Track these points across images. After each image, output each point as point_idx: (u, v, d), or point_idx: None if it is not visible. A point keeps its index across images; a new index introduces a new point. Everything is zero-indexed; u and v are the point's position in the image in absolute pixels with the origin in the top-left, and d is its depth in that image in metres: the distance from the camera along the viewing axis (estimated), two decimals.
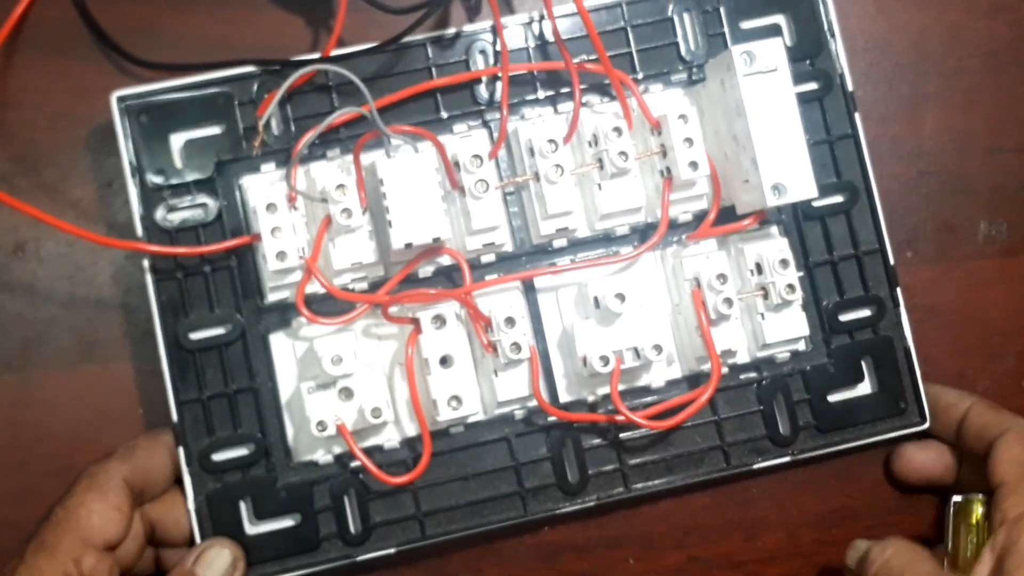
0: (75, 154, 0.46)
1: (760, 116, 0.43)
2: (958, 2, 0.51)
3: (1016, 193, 0.50)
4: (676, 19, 0.47)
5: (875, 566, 0.43)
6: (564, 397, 0.45)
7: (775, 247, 0.45)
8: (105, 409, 0.46)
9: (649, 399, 0.45)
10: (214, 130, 0.44)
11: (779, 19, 0.48)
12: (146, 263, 0.43)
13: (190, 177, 0.44)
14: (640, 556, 0.48)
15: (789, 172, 0.43)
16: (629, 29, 0.47)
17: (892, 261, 0.47)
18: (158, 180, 0.44)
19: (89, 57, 0.47)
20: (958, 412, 0.46)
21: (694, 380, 0.46)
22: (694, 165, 0.44)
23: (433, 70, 0.45)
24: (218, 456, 0.43)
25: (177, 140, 0.44)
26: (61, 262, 0.46)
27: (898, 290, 0.47)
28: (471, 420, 0.44)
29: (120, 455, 0.41)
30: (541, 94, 0.46)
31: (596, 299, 0.44)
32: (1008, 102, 0.51)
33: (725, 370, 0.45)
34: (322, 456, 0.44)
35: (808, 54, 0.47)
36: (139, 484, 0.41)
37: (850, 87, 0.47)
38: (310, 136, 0.43)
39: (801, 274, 0.46)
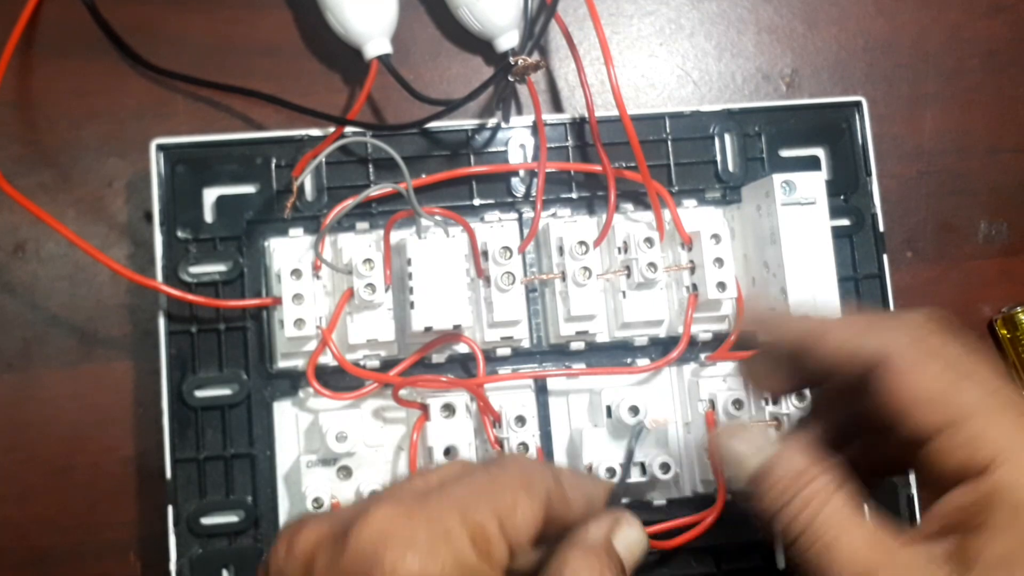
0: (75, 154, 0.46)
1: (794, 246, 0.43)
2: (958, 2, 0.51)
3: (1016, 193, 0.51)
4: (717, 139, 0.47)
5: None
6: None
7: None
8: (105, 409, 0.45)
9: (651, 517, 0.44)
10: (248, 188, 0.44)
11: (818, 151, 0.48)
12: (161, 312, 0.43)
13: (218, 233, 0.43)
14: None
15: (817, 305, 0.43)
16: (669, 142, 0.47)
17: None
18: (185, 233, 0.43)
19: (89, 58, 0.47)
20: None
21: (700, 502, 0.45)
22: (722, 286, 0.44)
23: (472, 157, 0.45)
24: (207, 520, 0.42)
25: (210, 195, 0.44)
26: (61, 262, 0.46)
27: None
28: None
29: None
30: (575, 194, 0.46)
31: (609, 408, 0.43)
32: (1008, 102, 0.51)
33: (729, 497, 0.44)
34: None
35: (843, 190, 0.47)
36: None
37: (881, 227, 0.47)
38: (344, 207, 0.43)
39: None
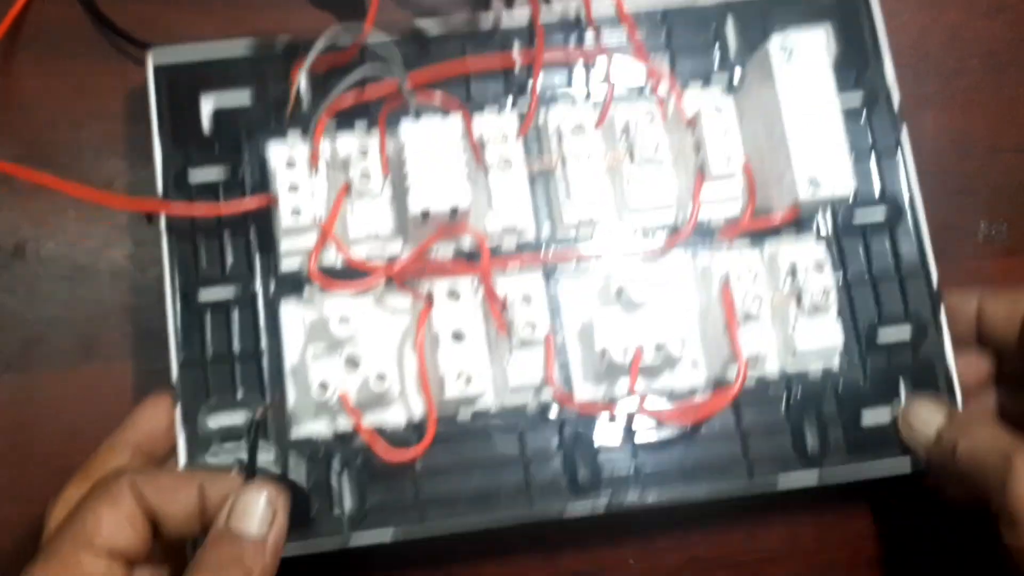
0: (75, 154, 0.46)
1: (796, 107, 0.42)
2: (958, 2, 0.51)
3: (1016, 193, 0.50)
4: (718, 21, 0.46)
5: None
6: (580, 395, 0.43)
7: (810, 250, 0.43)
8: (105, 409, 0.45)
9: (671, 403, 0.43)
10: (244, 96, 0.44)
11: (825, 28, 0.47)
12: (163, 222, 0.43)
13: (216, 139, 0.43)
14: (640, 556, 0.45)
15: (826, 166, 0.41)
16: (671, 28, 0.46)
17: (936, 283, 0.44)
18: (184, 140, 0.43)
19: (90, 57, 0.47)
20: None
21: (720, 387, 0.43)
22: (728, 160, 0.43)
23: (466, 52, 0.45)
24: (214, 422, 0.41)
25: (207, 102, 0.44)
26: (61, 262, 0.46)
27: (942, 314, 0.44)
28: (480, 406, 0.42)
29: (124, 431, 0.40)
30: (575, 85, 0.45)
31: (619, 289, 0.42)
32: (1008, 102, 0.51)
33: (752, 383, 0.43)
34: (321, 431, 0.42)
35: (854, 64, 0.46)
36: (146, 461, 0.39)
37: (896, 97, 0.46)
38: (339, 88, 0.42)
39: (839, 284, 0.44)
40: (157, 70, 0.44)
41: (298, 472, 0.41)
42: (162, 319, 0.43)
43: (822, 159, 0.41)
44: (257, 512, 0.36)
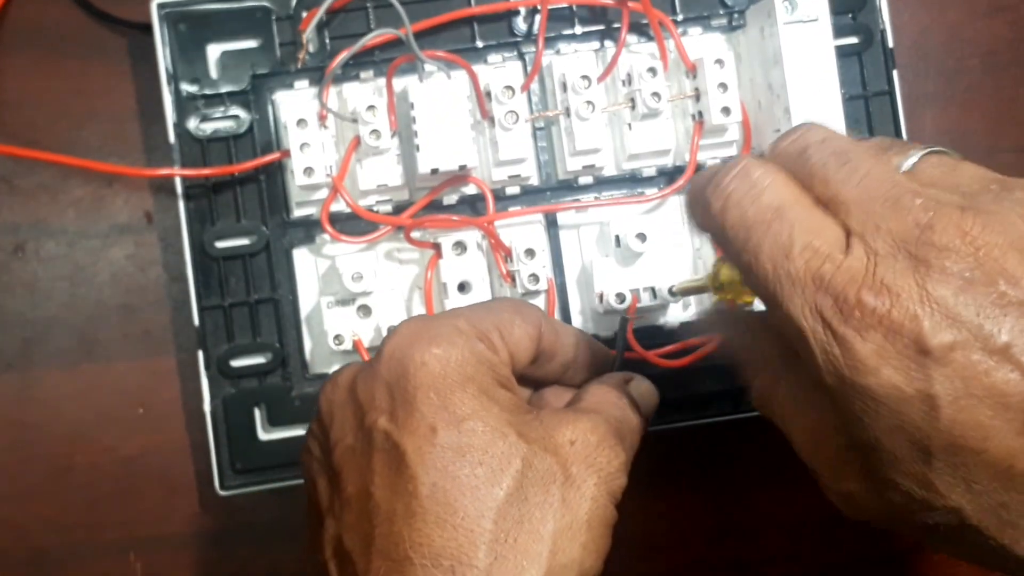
0: (75, 154, 0.46)
1: (797, 65, 0.42)
2: (958, 2, 0.50)
3: None
4: None
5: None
6: None
7: None
8: (105, 409, 0.46)
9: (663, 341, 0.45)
10: (250, 43, 0.44)
11: None
12: (178, 177, 0.44)
13: (224, 89, 0.44)
14: (640, 556, 0.48)
15: (822, 123, 0.42)
16: None
17: None
18: (193, 89, 0.44)
19: (89, 57, 0.47)
20: None
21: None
22: (727, 111, 0.44)
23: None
24: (236, 362, 0.44)
25: (214, 51, 0.44)
26: (61, 262, 0.47)
27: None
28: None
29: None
30: (579, 29, 0.46)
31: (617, 237, 0.44)
32: (1008, 102, 0.50)
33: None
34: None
35: (850, 7, 0.47)
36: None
37: (890, 43, 0.46)
38: (344, 56, 0.43)
39: None
40: (162, 19, 0.44)
41: None
42: (162, 319, 0.45)
43: (818, 117, 0.42)
44: (653, 396, 0.38)
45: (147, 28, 0.44)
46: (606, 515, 0.32)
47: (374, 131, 0.42)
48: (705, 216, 0.31)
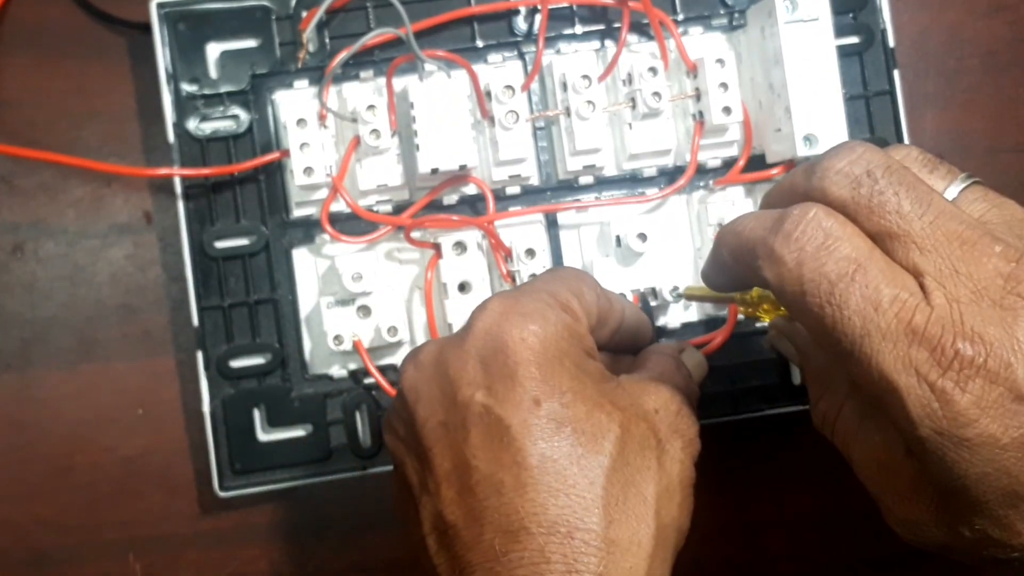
0: (75, 154, 0.46)
1: (797, 65, 0.42)
2: (958, 2, 0.50)
3: (1016, 193, 0.49)
4: None
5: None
6: None
7: None
8: (105, 409, 0.46)
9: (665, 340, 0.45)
10: (250, 43, 0.44)
11: None
12: (177, 177, 0.44)
13: (224, 88, 0.44)
14: None
15: (822, 123, 0.42)
16: None
17: None
18: (192, 89, 0.44)
19: (89, 57, 0.47)
20: None
21: (710, 324, 0.46)
22: (727, 111, 0.44)
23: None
24: (235, 363, 0.44)
25: (213, 50, 0.44)
26: (61, 262, 0.46)
27: None
28: None
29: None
30: (579, 29, 0.46)
31: (618, 237, 0.44)
32: (1008, 102, 0.50)
33: (741, 316, 0.45)
34: (337, 370, 0.44)
35: (851, 7, 0.46)
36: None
37: (891, 43, 0.46)
38: (344, 56, 0.43)
39: None
40: (161, 18, 0.44)
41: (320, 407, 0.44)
42: (161, 319, 0.45)
43: (819, 117, 0.42)
44: (704, 366, 0.40)
45: (147, 28, 0.44)
46: (692, 476, 0.34)
47: (374, 131, 0.42)
48: (774, 270, 0.30)
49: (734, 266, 0.32)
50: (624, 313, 0.38)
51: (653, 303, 0.44)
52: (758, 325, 0.46)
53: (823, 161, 0.31)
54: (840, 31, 0.45)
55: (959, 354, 0.27)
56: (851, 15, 0.47)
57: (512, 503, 0.31)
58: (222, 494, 0.44)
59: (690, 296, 0.44)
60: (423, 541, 0.33)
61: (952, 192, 0.31)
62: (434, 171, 0.42)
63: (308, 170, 0.42)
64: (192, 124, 0.44)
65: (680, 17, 0.46)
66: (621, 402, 0.33)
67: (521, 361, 0.32)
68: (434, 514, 0.32)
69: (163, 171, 0.44)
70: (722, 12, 0.46)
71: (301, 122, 0.42)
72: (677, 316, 0.46)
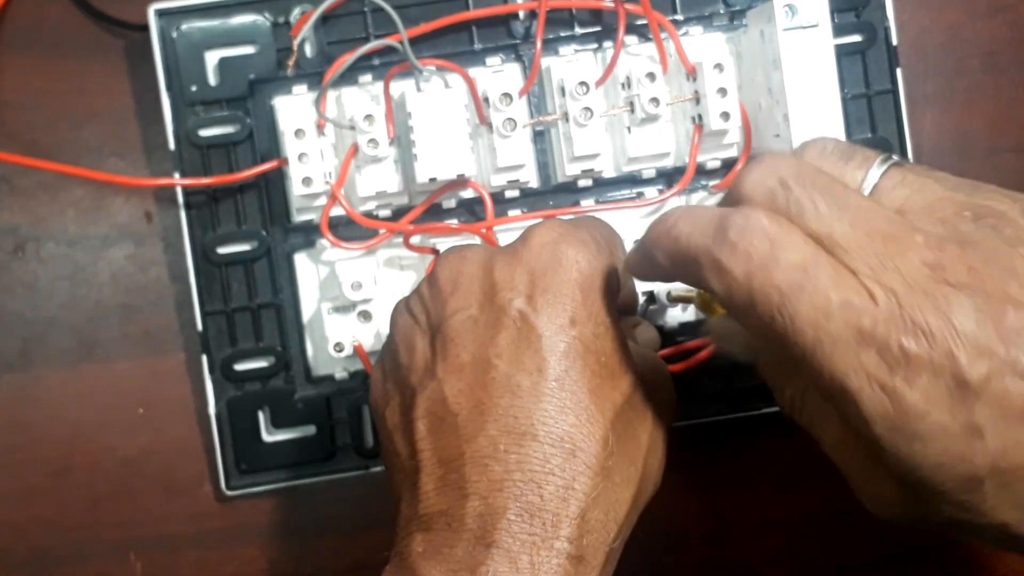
0: (75, 154, 0.46)
1: (796, 72, 0.42)
2: (958, 2, 0.50)
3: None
4: None
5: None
6: None
7: None
8: (105, 409, 0.46)
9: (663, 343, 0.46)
10: (248, 49, 0.44)
11: None
12: (179, 187, 0.44)
13: (223, 94, 0.44)
14: (640, 556, 0.48)
15: (820, 131, 0.42)
16: None
17: None
18: (191, 95, 0.44)
19: (89, 57, 0.47)
20: None
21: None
22: (726, 116, 0.44)
23: (470, 1, 0.45)
24: (240, 366, 0.45)
25: (212, 57, 0.44)
26: (61, 262, 0.47)
27: None
28: None
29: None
30: (578, 31, 0.46)
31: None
32: (1008, 102, 0.50)
33: None
34: (339, 372, 0.45)
35: (854, 4, 0.46)
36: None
37: (895, 42, 0.46)
38: (340, 68, 0.43)
39: None
40: (160, 25, 0.44)
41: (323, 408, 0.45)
42: (162, 319, 0.45)
43: (818, 125, 0.42)
44: (653, 337, 0.43)
45: (146, 29, 0.44)
46: (668, 441, 0.36)
47: (372, 140, 0.42)
48: (722, 282, 0.29)
49: (671, 269, 0.32)
50: (631, 281, 0.41)
51: (651, 307, 0.44)
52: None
53: (738, 177, 0.31)
54: (842, 29, 0.45)
55: (905, 351, 0.27)
56: (854, 13, 0.46)
57: (525, 407, 0.32)
58: (229, 493, 0.45)
59: (676, 299, 0.44)
60: (411, 424, 0.33)
61: (872, 179, 0.31)
62: (432, 180, 0.42)
63: (307, 180, 0.43)
64: (192, 130, 0.44)
65: (680, 17, 0.46)
66: (635, 353, 0.35)
67: (568, 280, 0.33)
68: (435, 400, 0.33)
69: (164, 181, 0.44)
70: (722, 12, 0.46)
71: (299, 132, 0.42)
72: (676, 317, 0.46)
